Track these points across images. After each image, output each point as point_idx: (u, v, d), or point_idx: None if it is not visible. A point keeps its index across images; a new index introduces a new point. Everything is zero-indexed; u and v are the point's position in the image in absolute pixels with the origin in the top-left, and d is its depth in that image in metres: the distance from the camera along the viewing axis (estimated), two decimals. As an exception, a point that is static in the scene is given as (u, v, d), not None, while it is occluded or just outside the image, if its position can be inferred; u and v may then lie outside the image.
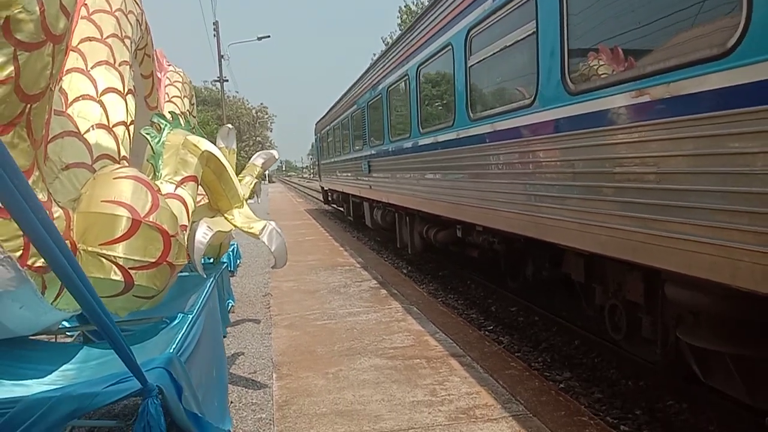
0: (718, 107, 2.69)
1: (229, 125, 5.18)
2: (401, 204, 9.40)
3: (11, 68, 1.88)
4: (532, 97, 4.53)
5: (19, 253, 2.07)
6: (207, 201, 4.30)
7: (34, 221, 1.67)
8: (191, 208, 3.46)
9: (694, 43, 2.89)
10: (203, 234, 3.59)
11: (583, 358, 5.45)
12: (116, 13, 3.61)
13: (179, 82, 5.69)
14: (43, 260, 2.12)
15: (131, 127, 3.45)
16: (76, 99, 3.15)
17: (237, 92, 76.92)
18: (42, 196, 2.22)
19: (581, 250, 4.18)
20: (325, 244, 12.06)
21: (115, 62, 3.46)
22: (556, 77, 4.14)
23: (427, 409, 3.64)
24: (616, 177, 3.46)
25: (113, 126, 3.26)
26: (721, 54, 2.67)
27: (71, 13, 2.18)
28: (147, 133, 3.46)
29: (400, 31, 18.49)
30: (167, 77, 5.55)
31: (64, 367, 2.77)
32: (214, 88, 47.85)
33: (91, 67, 3.32)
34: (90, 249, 2.55)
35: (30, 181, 2.06)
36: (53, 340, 3.67)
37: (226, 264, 6.29)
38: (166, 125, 3.59)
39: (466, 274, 9.26)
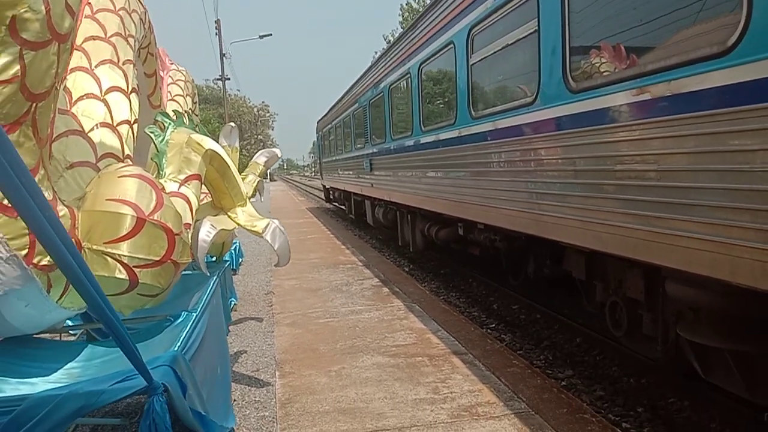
0: (718, 105, 2.70)
1: (232, 123, 5.20)
2: (403, 202, 9.39)
3: (17, 67, 1.90)
4: (534, 95, 4.53)
5: (24, 252, 2.09)
6: (210, 199, 4.32)
7: (41, 219, 1.69)
8: (195, 206, 3.48)
9: (695, 41, 2.90)
10: (207, 232, 3.60)
11: (584, 355, 5.46)
12: (120, 12, 3.62)
13: (182, 80, 5.72)
14: (48, 258, 2.14)
15: (135, 126, 3.47)
16: (81, 98, 3.17)
17: (239, 90, 77.18)
18: (47, 195, 2.23)
19: (582, 248, 4.19)
20: (327, 243, 12.07)
21: (118, 61, 3.48)
22: (558, 75, 4.15)
23: (430, 406, 3.65)
24: (617, 174, 3.47)
25: (117, 125, 3.28)
26: (722, 52, 2.67)
27: (76, 12, 2.20)
28: (151, 132, 3.48)
29: (401, 29, 18.46)
30: (170, 76, 5.58)
31: (69, 365, 2.79)
32: (215, 86, 48.02)
33: (95, 66, 3.34)
34: (95, 247, 2.57)
35: (35, 180, 2.07)
36: (57, 338, 3.69)
37: (228, 262, 6.32)
38: (169, 124, 3.61)
39: (467, 272, 9.26)
